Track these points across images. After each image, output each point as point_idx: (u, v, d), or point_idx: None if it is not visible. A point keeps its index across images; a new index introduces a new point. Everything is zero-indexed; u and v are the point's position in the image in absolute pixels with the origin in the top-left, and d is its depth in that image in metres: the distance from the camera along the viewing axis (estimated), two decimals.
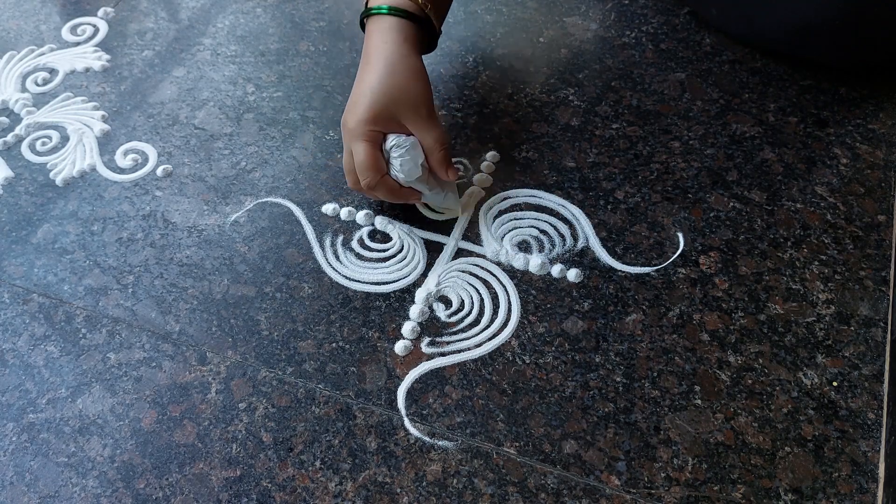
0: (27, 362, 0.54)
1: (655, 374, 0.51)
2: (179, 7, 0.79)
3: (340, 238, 0.59)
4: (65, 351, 0.54)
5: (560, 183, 0.61)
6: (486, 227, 0.59)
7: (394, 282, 0.57)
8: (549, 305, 0.55)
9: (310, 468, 0.48)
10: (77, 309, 0.56)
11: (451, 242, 0.59)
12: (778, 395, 0.50)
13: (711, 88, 0.67)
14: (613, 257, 0.57)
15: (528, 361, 0.52)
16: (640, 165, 0.62)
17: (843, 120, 0.64)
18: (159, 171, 0.64)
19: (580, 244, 0.58)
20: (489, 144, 0.64)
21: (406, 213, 0.60)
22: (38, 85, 0.72)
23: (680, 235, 0.58)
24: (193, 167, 0.65)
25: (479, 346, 0.53)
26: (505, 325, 0.54)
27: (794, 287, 0.55)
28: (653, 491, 0.46)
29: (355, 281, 0.57)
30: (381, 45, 0.55)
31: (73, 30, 0.77)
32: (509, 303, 0.55)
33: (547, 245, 0.58)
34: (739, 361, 0.51)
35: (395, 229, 0.59)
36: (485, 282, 0.56)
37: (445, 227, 0.59)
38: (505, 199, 0.61)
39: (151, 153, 0.66)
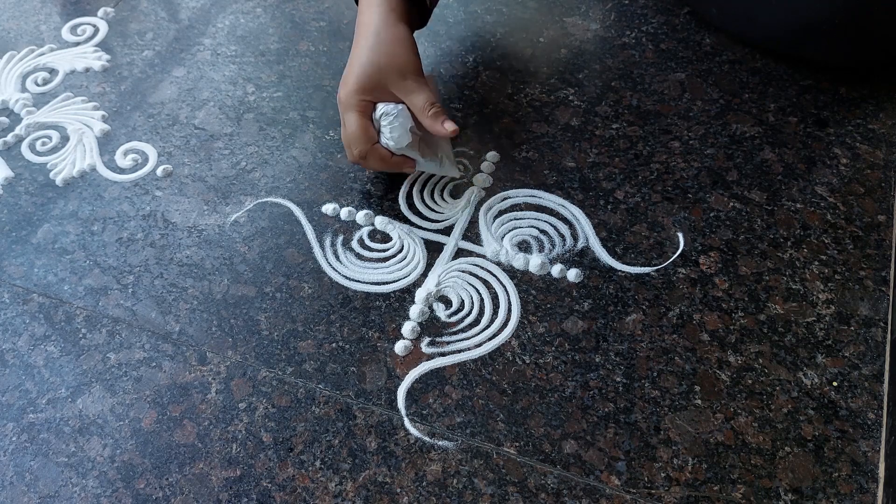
0: (27, 362, 0.54)
1: (655, 374, 0.51)
2: (179, 7, 0.79)
3: (340, 238, 0.59)
4: (65, 351, 0.54)
5: (560, 183, 0.61)
6: (486, 227, 0.59)
7: (394, 282, 0.57)
8: (549, 305, 0.55)
9: (310, 468, 0.48)
10: (77, 309, 0.56)
11: (451, 242, 0.59)
12: (778, 395, 0.50)
13: (711, 88, 0.67)
14: (613, 257, 0.57)
15: (528, 361, 0.52)
16: (640, 165, 0.62)
17: (843, 120, 0.64)
18: (159, 171, 0.64)
19: (580, 244, 0.58)
20: (489, 144, 0.64)
21: (406, 214, 0.60)
22: (38, 85, 0.72)
23: (680, 235, 0.58)
24: (193, 167, 0.65)
25: (479, 346, 0.53)
26: (505, 325, 0.54)
27: (794, 287, 0.55)
28: (653, 491, 0.46)
29: (355, 281, 0.57)
30: (370, 18, 0.56)
31: (73, 30, 0.77)
32: (509, 303, 0.55)
33: (547, 245, 0.58)
34: (739, 361, 0.51)
35: (395, 229, 0.59)
36: (485, 282, 0.56)
37: (445, 228, 0.59)
38: (505, 199, 0.61)
39: (151, 153, 0.66)
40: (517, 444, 0.48)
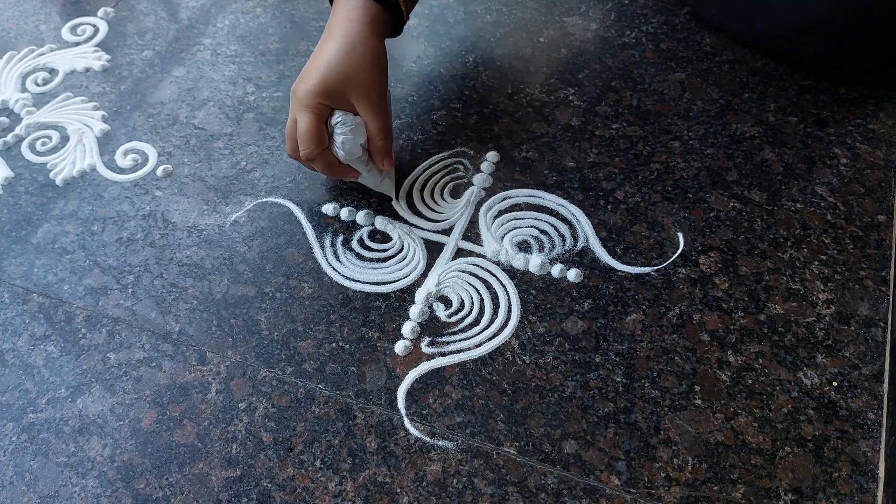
0: (27, 362, 0.54)
1: (655, 374, 0.51)
2: (179, 7, 0.79)
3: (340, 238, 0.59)
4: (65, 351, 0.54)
5: (560, 183, 0.61)
6: (486, 227, 0.59)
7: (394, 282, 0.57)
8: (549, 305, 0.55)
9: (310, 468, 0.48)
10: (77, 309, 0.56)
11: (451, 242, 0.59)
12: (778, 395, 0.50)
13: (711, 88, 0.67)
14: (613, 257, 0.57)
15: (528, 361, 0.52)
16: (640, 165, 0.62)
17: (843, 120, 0.64)
18: (159, 171, 0.64)
19: (580, 244, 0.58)
20: (489, 144, 0.64)
21: (406, 214, 0.60)
22: (38, 85, 0.72)
23: (680, 235, 0.58)
24: (193, 167, 0.65)
25: (479, 346, 0.53)
26: (505, 325, 0.54)
27: (794, 287, 0.55)
28: (653, 491, 0.46)
29: (355, 281, 0.57)
30: (346, 21, 0.55)
31: (73, 30, 0.77)
32: (509, 303, 0.55)
33: (547, 245, 0.58)
34: (739, 361, 0.51)
35: (395, 229, 0.59)
36: (485, 282, 0.56)
37: (445, 228, 0.59)
38: (505, 199, 0.61)
39: (151, 153, 0.66)
40: (517, 444, 0.48)
